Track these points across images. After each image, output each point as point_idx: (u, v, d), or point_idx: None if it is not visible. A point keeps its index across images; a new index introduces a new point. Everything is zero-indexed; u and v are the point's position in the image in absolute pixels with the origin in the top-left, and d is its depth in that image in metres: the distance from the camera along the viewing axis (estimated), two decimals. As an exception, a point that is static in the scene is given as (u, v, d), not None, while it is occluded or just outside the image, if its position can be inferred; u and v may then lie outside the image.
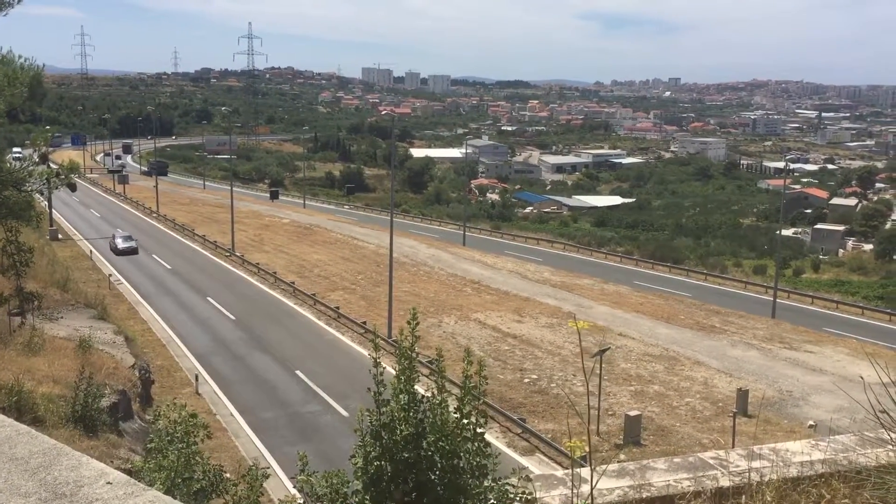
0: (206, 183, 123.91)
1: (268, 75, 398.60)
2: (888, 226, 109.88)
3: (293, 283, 49.71)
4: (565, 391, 31.18)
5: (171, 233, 70.80)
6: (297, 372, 34.24)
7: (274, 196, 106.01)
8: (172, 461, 5.98)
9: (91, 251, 59.90)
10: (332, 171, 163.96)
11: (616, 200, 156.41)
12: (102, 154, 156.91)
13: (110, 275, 51.20)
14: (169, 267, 55.56)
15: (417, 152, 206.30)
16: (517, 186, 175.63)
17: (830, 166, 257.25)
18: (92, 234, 68.23)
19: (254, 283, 51.46)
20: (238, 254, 59.07)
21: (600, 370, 29.53)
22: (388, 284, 40.32)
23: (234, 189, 66.71)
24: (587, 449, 3.29)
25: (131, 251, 58.58)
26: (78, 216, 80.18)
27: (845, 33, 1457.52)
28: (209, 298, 46.83)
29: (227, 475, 6.72)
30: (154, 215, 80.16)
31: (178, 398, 28.25)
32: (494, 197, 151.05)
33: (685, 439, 26.74)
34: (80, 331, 26.50)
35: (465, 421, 4.28)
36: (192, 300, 46.56)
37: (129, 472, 4.01)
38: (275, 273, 52.64)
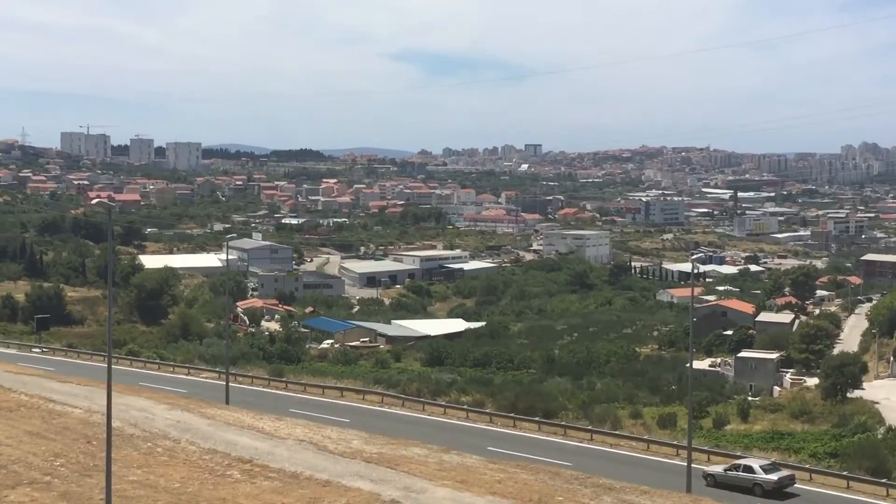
0: None
1: None
2: (836, 350, 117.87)
3: (-54, 478, 46.51)
4: None
5: None
6: None
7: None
8: None
9: None
10: (11, 293, 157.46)
11: (457, 325, 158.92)
12: None
13: None
14: None
15: (152, 261, 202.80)
16: (309, 309, 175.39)
17: (754, 267, 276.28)
18: None
19: None
20: None
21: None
22: (105, 473, 38.62)
23: None
24: None
25: None
26: None
27: (766, 84, 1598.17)
28: None
29: None
30: None
31: None
32: (274, 327, 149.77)
33: None
34: None
35: None
36: None
37: None
38: (-86, 463, 49.12)
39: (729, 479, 52.16)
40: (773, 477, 51.25)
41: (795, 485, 52.48)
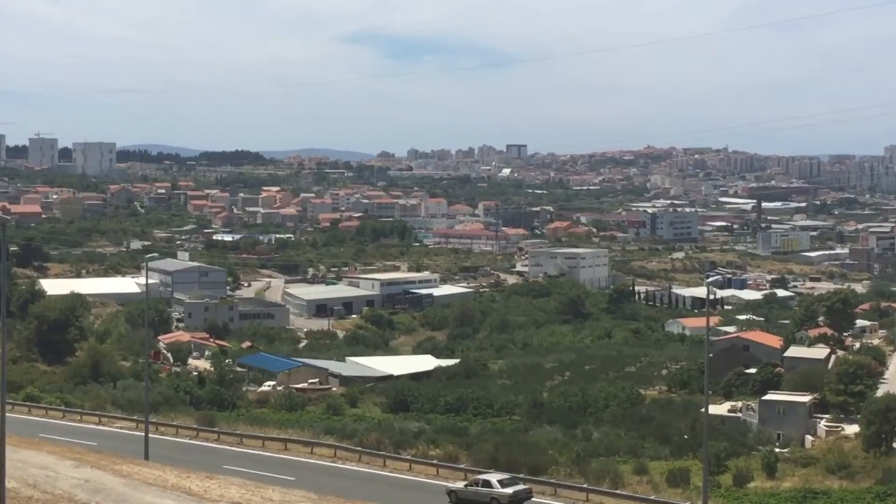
0: None
1: None
2: (881, 392, 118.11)
3: None
4: None
5: None
6: None
7: None
8: None
9: None
10: None
11: (425, 363, 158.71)
12: None
13: None
14: None
15: (56, 286, 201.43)
16: (246, 344, 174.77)
17: (781, 292, 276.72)
18: None
19: None
20: None
21: None
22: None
23: None
24: None
25: None
26: None
27: (793, 73, 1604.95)
28: None
29: None
30: None
31: None
32: (203, 365, 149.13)
33: None
34: None
35: None
36: None
37: None
38: None
39: (469, 495, 61.68)
40: (509, 491, 60.97)
41: (533, 498, 62.19)
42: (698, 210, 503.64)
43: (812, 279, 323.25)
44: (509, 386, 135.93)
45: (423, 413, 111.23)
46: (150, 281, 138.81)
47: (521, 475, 65.89)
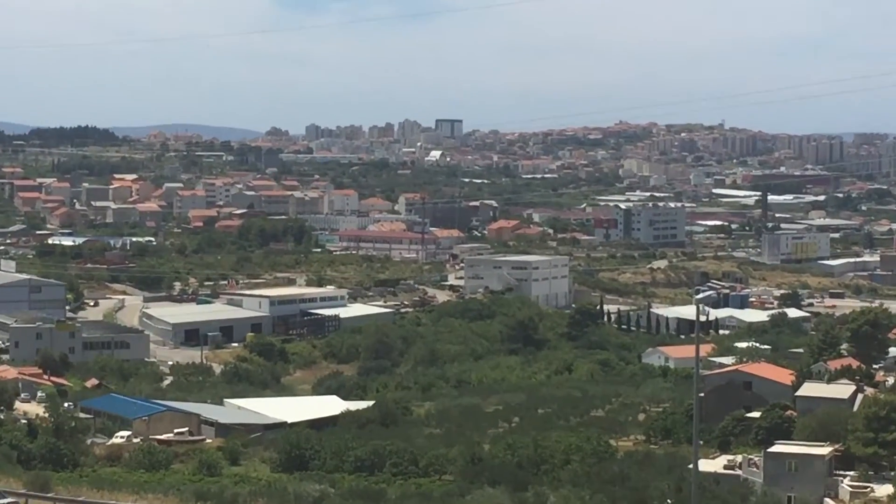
0: None
1: None
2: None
3: None
4: None
5: None
6: None
7: None
8: None
9: None
10: None
11: (329, 406, 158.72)
12: None
13: None
14: None
15: None
16: (92, 382, 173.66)
17: (793, 312, 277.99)
18: None
19: None
20: None
21: None
22: None
23: None
24: None
25: None
26: None
27: (810, 28, 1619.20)
28: None
29: None
30: None
31: None
32: (36, 410, 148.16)
33: None
34: None
35: None
36: None
37: None
38: None
39: None
40: None
41: None
42: (686, 205, 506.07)
43: (833, 295, 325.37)
44: (439, 436, 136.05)
45: (326, 472, 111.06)
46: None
47: (10, 490, 77.04)
